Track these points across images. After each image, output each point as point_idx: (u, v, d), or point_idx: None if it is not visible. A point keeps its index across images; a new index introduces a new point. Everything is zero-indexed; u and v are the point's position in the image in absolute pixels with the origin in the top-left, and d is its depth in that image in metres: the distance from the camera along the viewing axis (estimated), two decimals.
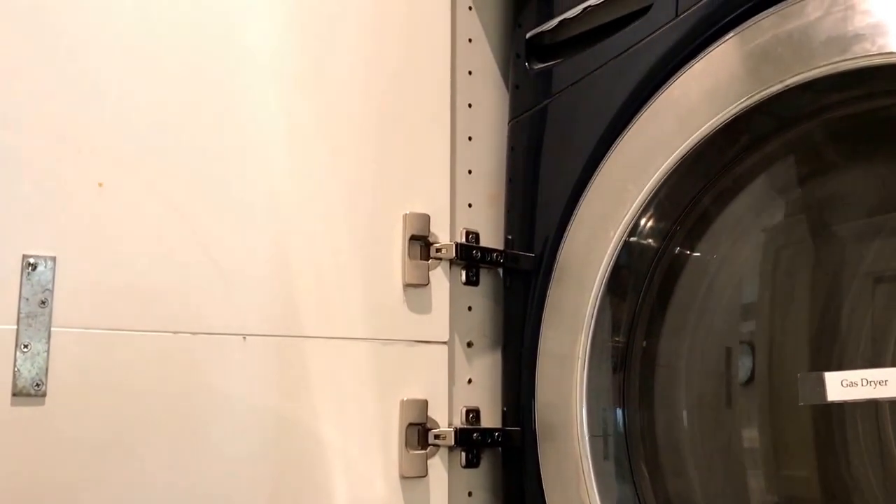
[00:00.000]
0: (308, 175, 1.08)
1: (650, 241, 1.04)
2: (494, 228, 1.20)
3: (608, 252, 1.02)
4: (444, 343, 1.13)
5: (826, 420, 0.91)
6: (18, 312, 0.90)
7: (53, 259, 0.92)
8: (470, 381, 1.16)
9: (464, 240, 1.16)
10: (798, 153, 0.96)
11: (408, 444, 1.09)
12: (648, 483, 1.03)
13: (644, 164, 1.00)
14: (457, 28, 1.20)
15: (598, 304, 1.02)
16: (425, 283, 1.12)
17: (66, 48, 0.96)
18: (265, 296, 1.04)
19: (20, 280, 0.90)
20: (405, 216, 1.12)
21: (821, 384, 0.86)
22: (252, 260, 1.03)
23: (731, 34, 0.93)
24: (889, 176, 0.90)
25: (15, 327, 0.90)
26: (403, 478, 1.08)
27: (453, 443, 1.10)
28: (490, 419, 1.16)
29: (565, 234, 1.08)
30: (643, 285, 1.05)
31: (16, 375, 0.89)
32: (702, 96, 0.95)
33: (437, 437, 1.10)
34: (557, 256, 1.08)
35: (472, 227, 1.17)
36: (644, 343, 1.06)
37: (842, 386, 0.84)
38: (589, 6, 1.11)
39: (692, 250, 1.04)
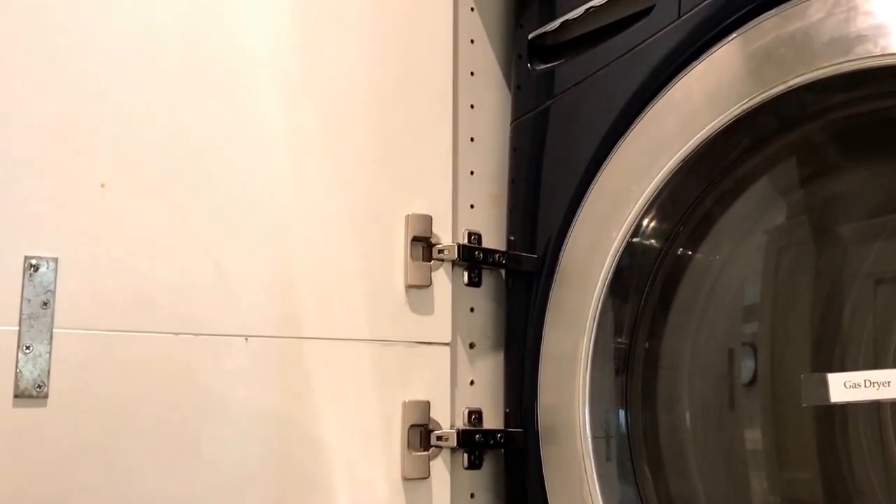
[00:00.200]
0: (310, 176, 1.08)
1: (652, 242, 1.03)
2: (497, 229, 1.20)
3: (611, 253, 1.02)
4: (447, 344, 1.13)
5: (829, 422, 0.91)
6: (20, 314, 0.90)
7: (55, 260, 0.92)
8: (472, 382, 1.16)
9: (466, 241, 1.16)
10: (800, 154, 0.96)
11: (410, 445, 1.09)
12: (651, 484, 1.03)
13: (646, 165, 0.99)
14: (459, 29, 1.20)
15: (600, 305, 1.02)
16: (427, 284, 1.12)
17: (68, 49, 0.96)
18: (267, 297, 1.04)
19: (22, 281, 0.90)
20: (407, 217, 1.12)
21: (824, 385, 0.86)
22: (254, 261, 1.03)
23: (733, 35, 0.93)
24: (891, 177, 0.90)
25: (17, 328, 0.90)
26: (405, 479, 1.08)
27: (455, 444, 1.10)
28: (492, 420, 1.16)
29: (568, 235, 1.08)
30: (646, 286, 1.05)
31: (18, 377, 0.89)
32: (704, 97, 0.95)
33: (439, 438, 1.10)
34: (560, 257, 1.08)
35: (475, 228, 1.17)
36: (647, 344, 1.06)
37: (844, 387, 0.84)
38: (591, 7, 1.11)
39: (694, 251, 1.04)
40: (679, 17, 0.99)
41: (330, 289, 1.07)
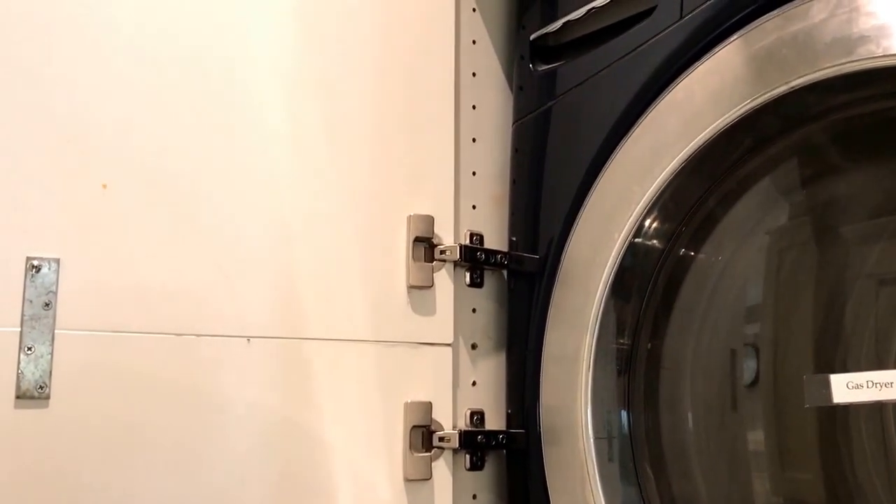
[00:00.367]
0: (312, 177, 1.08)
1: (655, 242, 1.03)
2: (498, 230, 1.20)
3: (613, 254, 1.02)
4: (449, 345, 1.13)
5: (831, 422, 0.91)
6: (22, 315, 0.90)
7: (57, 261, 0.92)
8: (474, 383, 1.16)
9: (468, 241, 1.16)
10: (802, 155, 0.96)
11: (412, 446, 1.09)
12: (654, 485, 1.03)
13: (649, 165, 0.99)
14: (461, 30, 1.20)
15: (602, 306, 1.02)
16: (429, 285, 1.12)
17: (70, 49, 0.96)
18: (269, 298, 1.04)
19: (24, 282, 0.90)
20: (409, 218, 1.12)
21: (826, 386, 0.86)
22: (256, 261, 1.03)
23: (735, 36, 0.93)
24: (893, 178, 0.90)
25: (19, 329, 0.90)
26: (407, 480, 1.08)
27: (457, 445, 1.10)
28: (494, 421, 1.16)
29: (570, 236, 1.08)
30: (648, 287, 1.05)
31: (19, 378, 0.89)
32: (706, 98, 0.95)
33: (441, 439, 1.10)
34: (562, 258, 1.08)
35: (477, 229, 1.17)
36: (649, 345, 1.05)
37: (847, 388, 0.84)
38: (593, 8, 1.11)
39: (697, 252, 1.04)
40: (681, 17, 0.99)
41: (332, 290, 1.07)
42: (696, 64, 0.96)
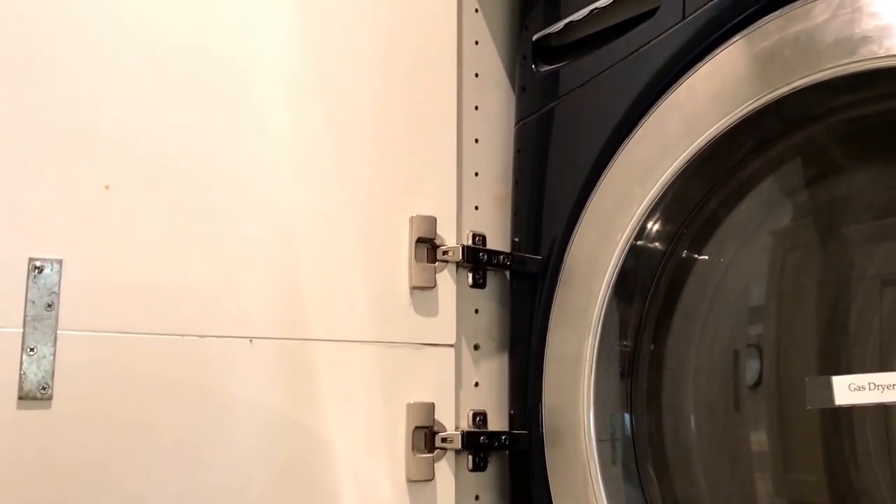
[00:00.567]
0: (315, 177, 1.08)
1: (657, 244, 1.03)
2: (501, 231, 1.20)
3: (615, 255, 1.02)
4: (451, 346, 1.13)
5: (834, 424, 0.91)
6: (24, 315, 0.90)
7: (60, 262, 0.92)
8: (477, 384, 1.16)
9: (470, 242, 1.16)
10: (805, 156, 0.96)
11: (414, 447, 1.09)
12: (656, 487, 1.03)
13: (651, 166, 0.99)
14: (463, 30, 1.20)
15: (605, 307, 1.02)
16: (432, 286, 1.12)
17: (71, 50, 0.96)
18: (272, 298, 1.04)
19: (26, 283, 0.90)
20: (412, 218, 1.12)
21: (828, 388, 0.85)
22: (258, 262, 1.03)
23: (737, 36, 0.93)
24: None
25: (21, 330, 0.90)
26: (410, 481, 1.08)
27: (460, 446, 1.10)
28: (497, 422, 1.16)
29: (572, 237, 1.07)
30: (650, 288, 1.05)
31: (22, 378, 0.89)
32: (709, 99, 0.94)
33: (443, 440, 1.10)
34: (564, 259, 1.08)
35: (479, 230, 1.17)
36: (651, 346, 1.05)
37: (849, 390, 0.84)
38: (595, 8, 1.10)
39: (699, 253, 1.03)
40: (683, 18, 0.99)
41: (334, 290, 1.07)
42: (699, 65, 0.96)
